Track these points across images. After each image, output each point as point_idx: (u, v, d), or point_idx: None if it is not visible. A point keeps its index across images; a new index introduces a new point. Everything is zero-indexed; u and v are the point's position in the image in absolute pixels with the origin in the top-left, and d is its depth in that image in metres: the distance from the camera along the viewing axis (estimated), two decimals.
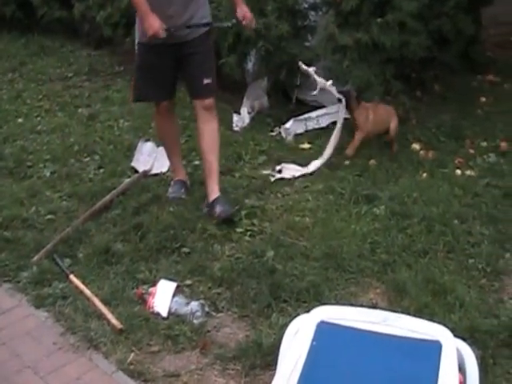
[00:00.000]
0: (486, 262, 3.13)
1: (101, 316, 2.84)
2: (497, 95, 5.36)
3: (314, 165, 4.18)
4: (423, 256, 3.20)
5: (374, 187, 3.88)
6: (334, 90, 4.25)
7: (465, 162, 4.23)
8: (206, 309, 2.88)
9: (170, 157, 4.02)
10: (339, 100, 4.25)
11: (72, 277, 3.10)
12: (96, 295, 2.95)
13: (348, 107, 4.27)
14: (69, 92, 5.99)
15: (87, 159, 4.50)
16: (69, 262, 3.26)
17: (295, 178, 4.08)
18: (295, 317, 2.16)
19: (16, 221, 3.64)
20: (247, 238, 3.43)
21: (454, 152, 4.38)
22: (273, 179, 4.06)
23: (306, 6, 5.03)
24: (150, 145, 4.36)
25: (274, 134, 4.78)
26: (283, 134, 4.73)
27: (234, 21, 3.83)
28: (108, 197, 3.80)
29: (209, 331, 2.77)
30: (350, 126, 4.38)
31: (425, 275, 3.02)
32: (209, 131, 3.66)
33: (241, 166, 4.28)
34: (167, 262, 3.24)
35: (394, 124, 4.37)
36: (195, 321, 2.80)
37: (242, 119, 4.93)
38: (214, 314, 2.88)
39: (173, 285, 2.99)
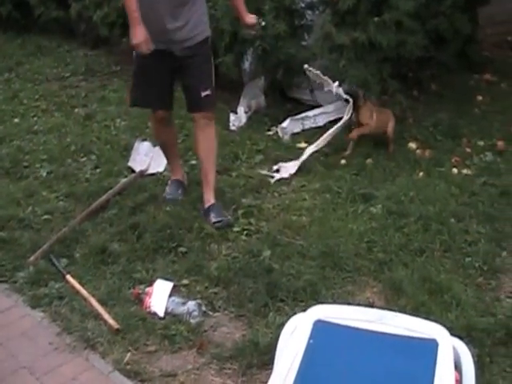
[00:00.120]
0: (482, 261, 3.13)
1: (97, 316, 2.83)
2: (493, 94, 5.37)
3: (306, 153, 4.21)
4: (420, 255, 3.21)
5: (371, 186, 3.89)
6: (341, 91, 4.28)
7: (461, 160, 4.24)
8: (203, 308, 2.88)
9: (167, 157, 4.01)
10: (346, 101, 4.27)
11: (68, 277, 3.09)
12: (92, 295, 2.95)
13: (354, 107, 4.29)
14: (65, 92, 5.98)
15: (84, 159, 4.49)
16: (65, 262, 3.25)
17: (292, 176, 4.08)
18: (292, 316, 2.16)
19: (12, 221, 3.63)
20: (244, 237, 3.43)
21: (450, 151, 4.38)
22: (273, 180, 4.05)
23: (303, 5, 5.04)
24: (146, 144, 4.35)
25: (270, 133, 4.78)
26: (280, 134, 4.73)
27: (262, 23, 3.83)
28: (105, 197, 3.79)
29: (205, 331, 2.77)
30: (348, 126, 4.39)
31: (421, 274, 3.02)
32: (205, 139, 3.61)
33: (238, 166, 4.28)
34: (164, 262, 3.23)
35: (391, 126, 4.42)
36: (192, 320, 2.80)
37: (238, 118, 4.93)
38: (210, 313, 2.88)
39: (169, 284, 2.98)
